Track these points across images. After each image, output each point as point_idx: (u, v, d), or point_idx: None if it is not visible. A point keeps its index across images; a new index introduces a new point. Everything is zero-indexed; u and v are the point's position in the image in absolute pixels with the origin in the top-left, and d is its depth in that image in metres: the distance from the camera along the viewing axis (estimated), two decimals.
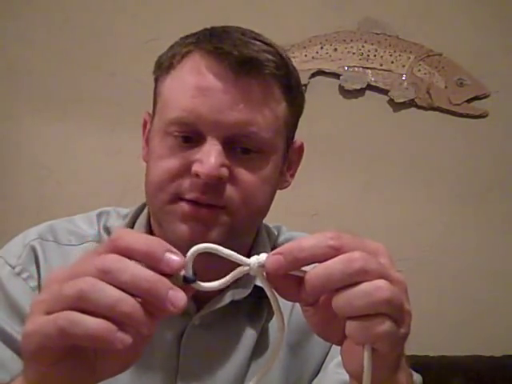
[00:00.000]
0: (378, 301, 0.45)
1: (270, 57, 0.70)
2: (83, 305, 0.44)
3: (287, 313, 0.77)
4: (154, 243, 0.46)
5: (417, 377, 0.84)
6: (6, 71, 1.75)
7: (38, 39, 1.76)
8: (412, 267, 1.76)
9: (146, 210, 0.81)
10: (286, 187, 0.80)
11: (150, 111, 0.78)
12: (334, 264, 0.46)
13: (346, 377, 0.54)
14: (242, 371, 0.77)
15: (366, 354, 0.47)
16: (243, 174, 0.70)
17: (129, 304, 0.44)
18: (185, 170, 0.69)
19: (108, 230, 0.81)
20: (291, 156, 0.79)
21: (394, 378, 0.52)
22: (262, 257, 0.47)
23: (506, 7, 1.80)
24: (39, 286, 0.75)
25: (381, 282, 0.46)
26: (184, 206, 0.69)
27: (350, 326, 0.46)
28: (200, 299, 0.75)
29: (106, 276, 0.44)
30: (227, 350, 0.77)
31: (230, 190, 0.69)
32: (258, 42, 0.70)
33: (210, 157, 0.67)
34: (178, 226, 0.70)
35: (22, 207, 1.73)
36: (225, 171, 0.68)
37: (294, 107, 0.75)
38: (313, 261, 0.47)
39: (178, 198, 0.70)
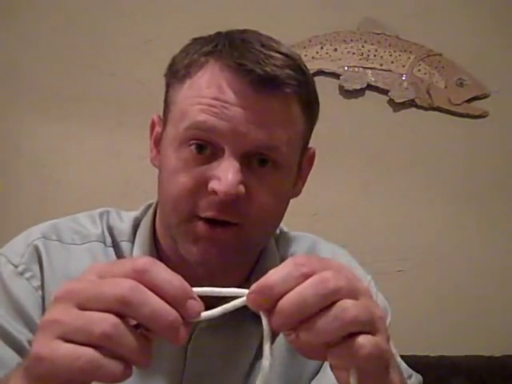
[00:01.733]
0: (347, 322, 0.45)
1: (292, 73, 0.69)
2: (107, 345, 0.44)
3: None
4: (179, 287, 0.46)
5: (417, 377, 0.85)
6: (6, 71, 1.75)
7: (38, 39, 1.76)
8: (412, 267, 1.76)
9: (150, 212, 0.81)
10: (297, 195, 0.79)
11: (160, 114, 0.77)
12: (306, 289, 0.46)
13: None
14: (247, 371, 0.77)
15: (352, 378, 0.47)
16: (259, 191, 0.69)
17: (143, 355, 0.45)
18: (201, 186, 0.68)
19: (111, 230, 0.81)
20: (304, 165, 0.78)
21: (386, 382, 0.52)
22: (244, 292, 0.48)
23: (506, 7, 1.80)
24: (42, 286, 0.75)
25: (345, 303, 0.46)
26: (199, 227, 0.68)
27: (331, 356, 0.47)
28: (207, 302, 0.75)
29: (125, 308, 0.44)
30: (233, 352, 0.77)
31: (245, 206, 0.68)
32: (279, 56, 0.69)
33: (227, 174, 0.66)
34: (192, 247, 0.70)
35: (22, 207, 1.73)
36: (242, 189, 0.67)
37: (312, 120, 0.75)
38: (287, 291, 0.46)
39: (194, 216, 0.69)
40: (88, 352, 0.44)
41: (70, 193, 1.73)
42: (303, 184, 0.80)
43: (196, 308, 0.46)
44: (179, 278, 0.46)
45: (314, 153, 0.80)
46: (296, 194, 0.79)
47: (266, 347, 0.48)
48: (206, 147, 0.68)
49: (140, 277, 0.45)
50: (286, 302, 0.46)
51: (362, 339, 0.46)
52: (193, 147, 0.68)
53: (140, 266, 0.45)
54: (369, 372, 0.48)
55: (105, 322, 0.44)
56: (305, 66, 0.73)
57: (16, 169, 1.76)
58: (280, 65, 0.68)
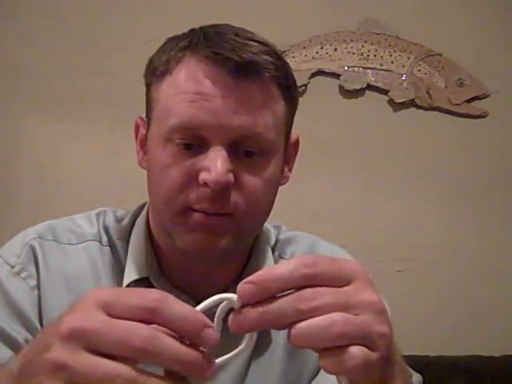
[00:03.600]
0: (333, 336, 0.45)
1: (269, 58, 0.70)
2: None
3: None
4: (192, 319, 0.44)
5: (417, 377, 0.85)
6: (6, 71, 1.75)
7: (38, 39, 1.76)
8: (412, 267, 1.76)
9: (144, 211, 0.81)
10: (285, 183, 0.80)
11: (143, 116, 0.78)
12: (282, 304, 0.45)
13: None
14: (243, 371, 0.77)
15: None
16: (247, 179, 0.70)
17: None
18: (191, 179, 0.69)
19: (107, 229, 0.81)
20: (289, 151, 0.79)
21: None
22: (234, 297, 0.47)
23: (507, 7, 1.80)
24: (38, 286, 0.75)
25: (336, 316, 0.45)
26: (194, 216, 0.69)
27: (320, 358, 0.46)
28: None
29: (144, 357, 0.43)
30: (227, 351, 0.77)
31: (235, 196, 0.69)
32: (254, 43, 0.70)
33: (216, 163, 0.67)
34: (188, 236, 0.70)
35: (21, 207, 1.73)
36: (231, 177, 0.68)
37: (292, 103, 0.75)
38: (286, 290, 0.45)
39: (187, 208, 0.69)
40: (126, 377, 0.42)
41: (69, 193, 1.73)
42: (290, 170, 0.80)
43: (213, 335, 0.45)
44: (190, 308, 0.45)
45: (297, 139, 0.81)
46: (284, 181, 0.79)
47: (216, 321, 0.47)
48: (192, 142, 0.69)
49: (152, 316, 0.43)
50: (269, 312, 0.45)
51: (355, 349, 0.45)
52: (179, 143, 0.69)
53: (151, 304, 0.43)
54: (359, 382, 0.47)
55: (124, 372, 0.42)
56: (280, 52, 0.73)
57: (16, 169, 1.76)
58: (256, 51, 0.69)
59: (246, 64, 0.68)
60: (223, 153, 0.68)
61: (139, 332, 0.42)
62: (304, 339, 0.45)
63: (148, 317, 0.43)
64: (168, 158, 0.70)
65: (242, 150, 0.70)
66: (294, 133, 0.79)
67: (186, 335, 0.44)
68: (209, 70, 0.68)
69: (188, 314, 0.44)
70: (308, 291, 0.45)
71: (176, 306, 0.44)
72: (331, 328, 0.45)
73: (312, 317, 0.45)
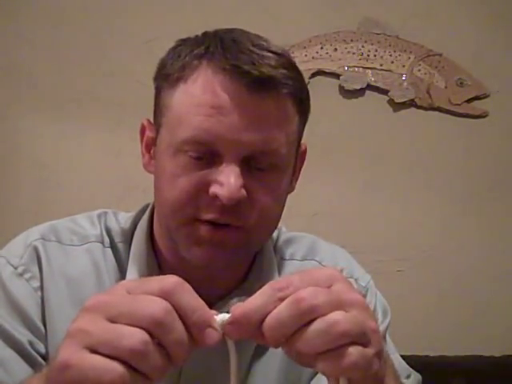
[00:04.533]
0: (336, 336, 0.45)
1: (287, 72, 0.68)
2: (134, 361, 0.44)
3: None
4: (201, 314, 0.46)
5: (415, 376, 0.85)
6: (6, 71, 1.75)
7: (38, 39, 1.76)
8: (412, 267, 1.76)
9: (146, 214, 0.81)
10: (291, 192, 0.79)
11: (150, 118, 0.77)
12: (281, 312, 0.46)
13: None
14: (244, 372, 0.77)
15: None
16: (259, 194, 0.69)
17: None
18: (201, 191, 0.68)
19: (109, 231, 0.81)
20: (298, 162, 0.78)
21: None
22: (225, 316, 0.48)
23: (506, 7, 1.80)
24: (41, 287, 0.75)
25: (336, 315, 0.46)
26: (201, 229, 0.69)
27: (318, 363, 0.47)
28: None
29: (156, 329, 0.44)
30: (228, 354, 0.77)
31: (246, 209, 0.68)
32: (271, 55, 0.68)
33: (229, 178, 0.66)
34: (194, 249, 0.70)
35: (21, 207, 1.73)
36: (244, 193, 0.67)
37: (305, 116, 0.75)
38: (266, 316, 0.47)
39: (194, 219, 0.69)
40: (118, 367, 0.43)
41: (69, 193, 1.73)
42: (296, 180, 0.80)
43: (214, 338, 0.46)
44: (202, 304, 0.47)
45: (305, 148, 0.81)
46: (291, 190, 0.79)
47: (233, 378, 0.49)
48: (204, 154, 0.68)
49: (167, 298, 0.45)
50: (265, 326, 0.46)
51: (351, 349, 0.46)
52: (192, 155, 0.68)
53: (168, 287, 0.46)
54: (358, 382, 0.48)
55: (135, 337, 0.44)
56: (294, 61, 0.73)
57: (16, 169, 1.76)
58: (274, 65, 0.68)
59: (265, 79, 0.67)
60: (236, 168, 0.67)
61: (156, 304, 0.45)
62: (306, 346, 0.46)
63: (165, 298, 0.45)
64: (178, 167, 0.69)
65: (255, 165, 0.69)
66: (303, 143, 0.79)
67: (190, 326, 0.46)
68: (226, 82, 0.67)
69: (196, 308, 0.46)
70: (303, 292, 0.46)
71: (188, 296, 0.46)
72: (333, 329, 0.45)
73: (310, 319, 0.45)
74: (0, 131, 1.75)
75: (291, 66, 0.70)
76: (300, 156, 0.79)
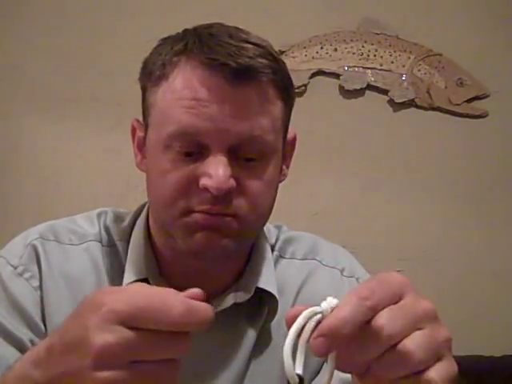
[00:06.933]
0: (413, 366, 0.45)
1: (265, 61, 0.69)
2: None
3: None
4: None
5: None
6: (6, 71, 1.75)
7: (38, 39, 1.76)
8: (412, 267, 1.76)
9: (144, 212, 0.81)
10: (283, 180, 0.80)
11: (139, 118, 0.77)
12: (364, 342, 0.45)
13: (346, 375, 0.54)
14: (242, 370, 0.77)
15: None
16: (248, 182, 0.70)
17: None
18: (192, 185, 0.69)
19: (108, 230, 0.81)
20: (287, 149, 0.79)
21: None
22: (333, 301, 0.46)
23: (506, 7, 1.80)
24: (41, 286, 0.76)
25: (410, 344, 0.45)
26: (197, 217, 0.69)
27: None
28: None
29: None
30: (227, 350, 0.77)
31: (237, 198, 0.69)
32: (249, 46, 0.69)
33: (217, 170, 0.67)
34: (192, 237, 0.70)
35: (21, 207, 1.73)
36: (233, 182, 0.68)
37: (289, 102, 0.75)
38: (356, 328, 0.44)
39: (188, 211, 0.70)
40: None
41: (69, 193, 1.73)
42: (288, 167, 0.81)
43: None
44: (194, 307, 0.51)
45: (294, 135, 0.81)
46: (282, 178, 0.79)
47: None
48: (192, 150, 0.69)
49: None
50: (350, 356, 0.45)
51: (432, 374, 0.45)
52: (180, 151, 0.69)
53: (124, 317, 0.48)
54: None
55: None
56: (275, 51, 0.73)
57: (16, 169, 1.76)
58: (252, 55, 0.68)
59: (243, 70, 0.67)
60: (224, 159, 0.68)
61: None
62: (387, 370, 0.45)
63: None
64: (168, 163, 0.70)
65: (242, 155, 0.70)
66: (291, 130, 0.79)
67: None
68: (205, 76, 0.68)
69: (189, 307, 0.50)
70: (382, 321, 0.45)
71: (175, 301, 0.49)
72: (409, 360, 0.44)
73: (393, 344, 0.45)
74: (0, 131, 1.75)
75: (270, 55, 0.71)
76: (289, 143, 0.79)
